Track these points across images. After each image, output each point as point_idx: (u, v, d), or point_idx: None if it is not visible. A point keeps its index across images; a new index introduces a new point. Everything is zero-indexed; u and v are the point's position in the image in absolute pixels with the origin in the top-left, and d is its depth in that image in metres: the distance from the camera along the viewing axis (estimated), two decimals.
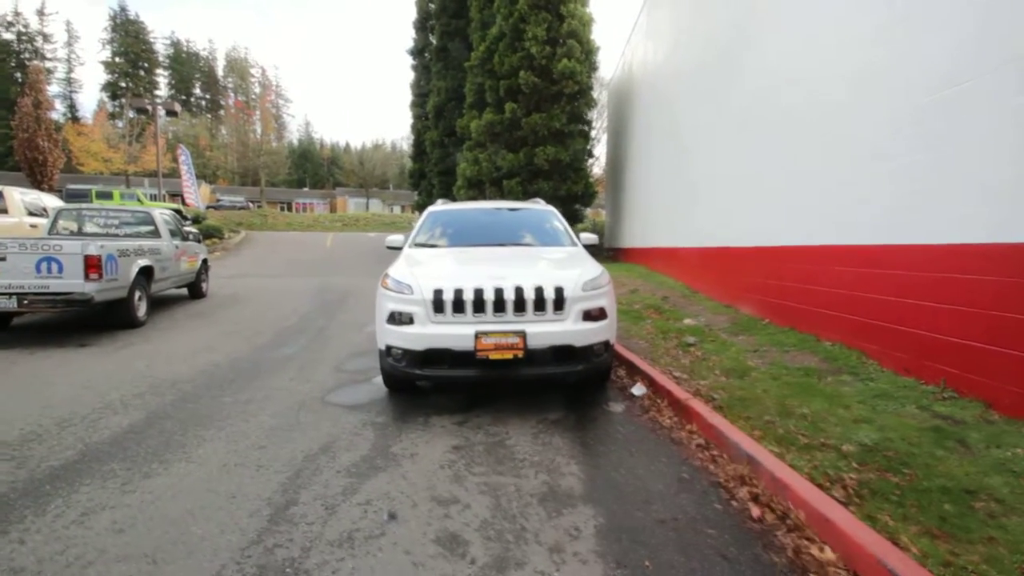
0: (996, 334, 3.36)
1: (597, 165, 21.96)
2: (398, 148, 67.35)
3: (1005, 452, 2.82)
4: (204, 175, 30.42)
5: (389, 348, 3.72)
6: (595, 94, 16.30)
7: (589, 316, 3.73)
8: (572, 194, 15.17)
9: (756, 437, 3.08)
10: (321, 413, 3.88)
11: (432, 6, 21.04)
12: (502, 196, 14.88)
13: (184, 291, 9.62)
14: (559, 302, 3.64)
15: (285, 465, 3.00)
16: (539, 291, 3.61)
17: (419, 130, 22.27)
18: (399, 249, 5.10)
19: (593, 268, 4.04)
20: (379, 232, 35.20)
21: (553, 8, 14.21)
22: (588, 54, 14.79)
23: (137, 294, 6.88)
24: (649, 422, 3.70)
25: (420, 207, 22.65)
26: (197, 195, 24.78)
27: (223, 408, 3.97)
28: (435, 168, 19.31)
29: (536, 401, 4.12)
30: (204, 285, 9.90)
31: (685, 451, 3.18)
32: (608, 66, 37.61)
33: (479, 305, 3.58)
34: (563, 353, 3.62)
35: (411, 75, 22.80)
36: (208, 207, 29.57)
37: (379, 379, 4.73)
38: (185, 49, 60.91)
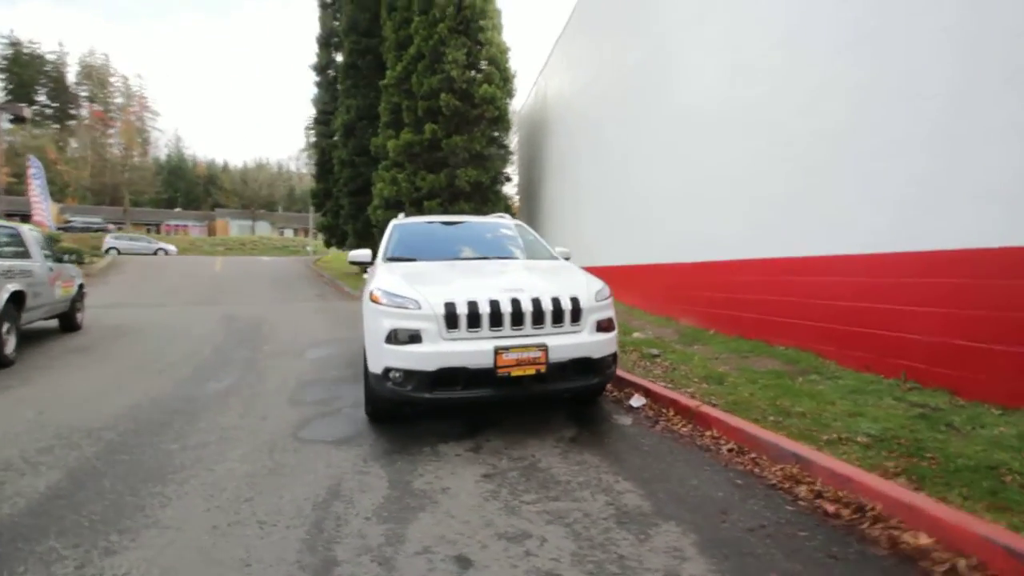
0: (955, 330, 3.80)
1: (511, 188, 22.30)
2: (284, 168, 63.42)
3: (992, 431, 3.15)
4: (51, 193, 25.79)
5: (388, 371, 3.28)
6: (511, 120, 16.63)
7: (601, 327, 3.61)
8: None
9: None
10: (303, 452, 3.30)
11: (337, 24, 20.28)
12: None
13: (54, 323, 7.95)
14: (576, 313, 3.48)
15: (295, 518, 2.46)
16: (556, 302, 3.43)
17: (324, 148, 21.03)
18: (366, 264, 4.62)
19: (595, 279, 3.95)
20: (275, 257, 32.55)
21: (472, 34, 14.37)
22: (506, 80, 15.10)
23: (5, 326, 5.51)
24: (665, 432, 3.64)
25: (327, 229, 21.24)
26: (49, 214, 21.04)
27: (172, 457, 3.22)
28: (344, 188, 18.30)
29: (538, 420, 3.88)
30: (80, 315, 8.28)
31: (720, 457, 3.15)
32: (518, 96, 38.81)
33: (496, 318, 3.30)
34: (582, 366, 3.45)
35: (308, 92, 21.82)
36: (58, 228, 25.25)
37: (351, 409, 4.21)
38: (27, 51, 52.39)
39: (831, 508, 2.43)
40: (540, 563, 2.07)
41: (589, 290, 3.65)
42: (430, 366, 3.18)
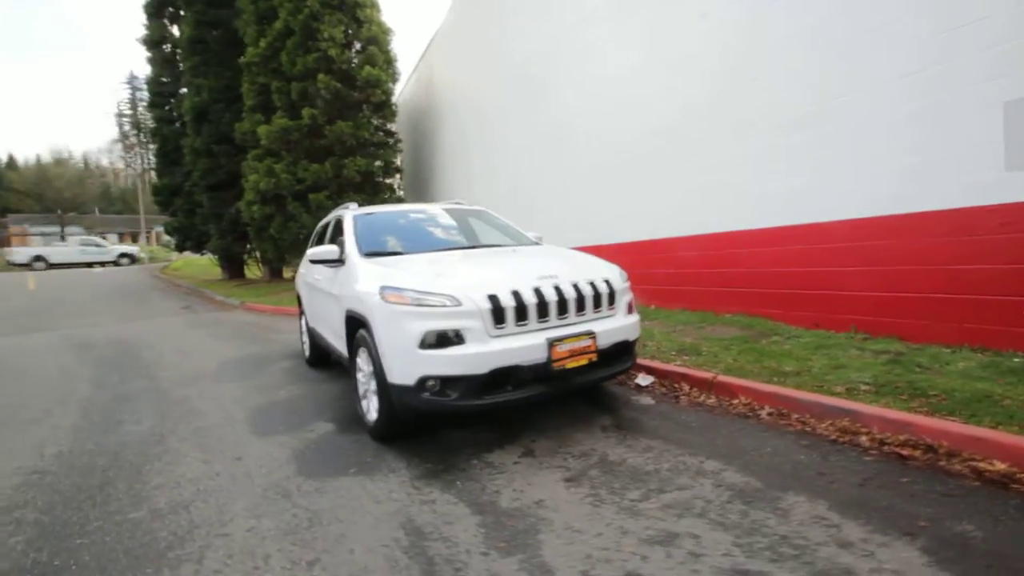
0: (898, 284, 4.41)
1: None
2: (94, 162, 53.35)
3: (956, 366, 3.70)
4: None
5: (424, 380, 2.83)
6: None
7: (630, 308, 3.53)
8: None
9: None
10: (328, 491, 2.71)
11: None
12: (308, 211, 13.12)
13: None
14: (612, 296, 3.34)
15: (396, 572, 1.98)
16: (594, 286, 3.25)
17: (165, 136, 17.85)
18: (334, 263, 3.96)
19: (605, 260, 3.84)
20: (108, 268, 27.08)
21: (348, 10, 13.25)
22: (389, 63, 14.22)
23: None
24: (694, 405, 3.69)
25: (179, 231, 18.14)
26: None
27: (150, 529, 2.43)
28: (201, 182, 15.77)
29: (557, 413, 3.68)
30: None
31: (766, 422, 3.26)
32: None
33: (543, 309, 3.02)
34: (622, 350, 3.33)
35: (120, 71, 18.22)
36: None
37: (339, 429, 3.62)
38: None
39: (905, 452, 2.64)
40: (718, 561, 1.92)
41: (614, 271, 3.54)
42: (482, 368, 2.80)
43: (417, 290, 2.94)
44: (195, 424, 3.98)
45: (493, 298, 2.91)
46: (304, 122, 12.91)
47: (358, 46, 13.67)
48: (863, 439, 2.84)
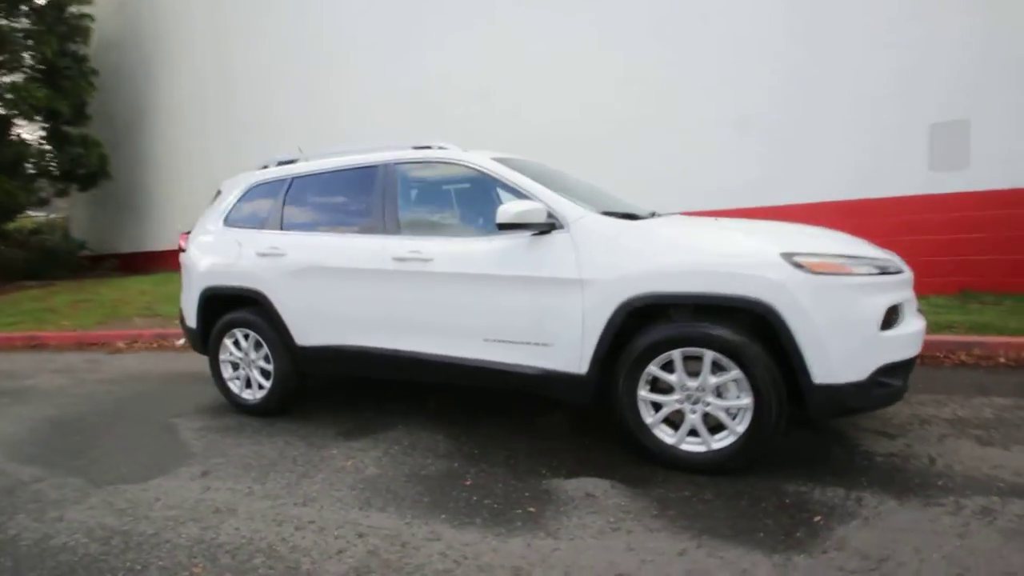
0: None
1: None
2: None
3: None
4: None
5: (881, 371, 2.00)
6: None
7: None
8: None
9: None
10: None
11: None
12: None
13: None
14: None
15: None
16: None
17: None
18: (535, 228, 2.36)
19: None
20: None
21: None
22: None
23: None
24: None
25: None
26: None
27: None
28: None
29: None
30: None
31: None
32: None
33: None
34: None
35: None
36: None
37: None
38: None
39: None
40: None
41: None
42: (917, 349, 2.18)
43: (858, 256, 2.10)
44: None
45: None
46: None
47: None
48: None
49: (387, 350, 2.68)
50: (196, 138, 9.97)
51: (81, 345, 5.69)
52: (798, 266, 1.98)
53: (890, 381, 2.06)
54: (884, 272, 2.08)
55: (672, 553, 1.66)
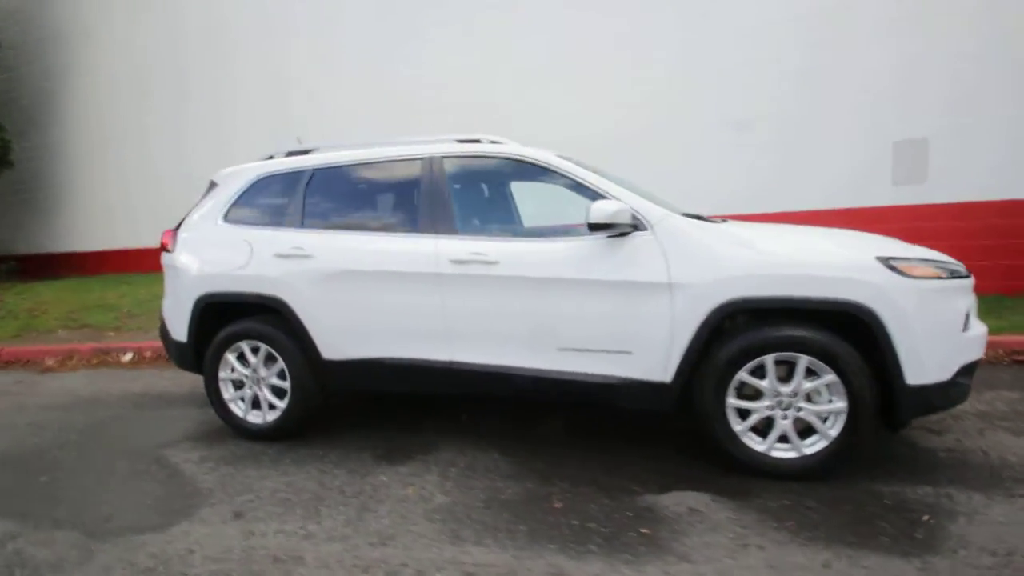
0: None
1: None
2: None
3: None
4: None
5: (963, 371, 2.07)
6: None
7: None
8: None
9: None
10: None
11: None
12: None
13: None
14: None
15: None
16: None
17: None
18: (616, 229, 2.18)
19: None
20: None
21: None
22: None
23: None
24: None
25: None
26: None
27: None
28: None
29: None
30: None
31: None
32: None
33: None
34: None
35: None
36: None
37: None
38: None
39: None
40: None
41: None
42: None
43: (939, 260, 2.14)
44: None
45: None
46: None
47: None
48: None
49: (439, 362, 2.43)
50: (124, 125, 8.89)
51: None
52: (895, 270, 2.00)
53: (965, 381, 2.13)
54: (958, 276, 2.16)
55: (816, 567, 1.60)
